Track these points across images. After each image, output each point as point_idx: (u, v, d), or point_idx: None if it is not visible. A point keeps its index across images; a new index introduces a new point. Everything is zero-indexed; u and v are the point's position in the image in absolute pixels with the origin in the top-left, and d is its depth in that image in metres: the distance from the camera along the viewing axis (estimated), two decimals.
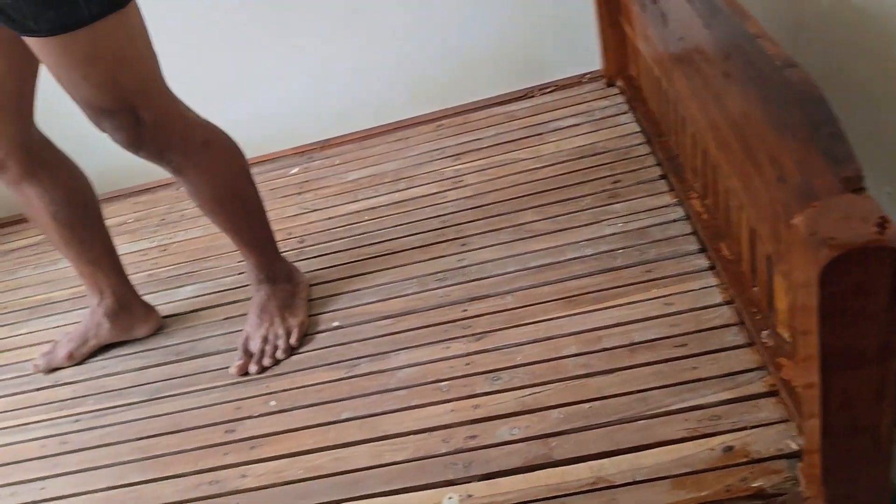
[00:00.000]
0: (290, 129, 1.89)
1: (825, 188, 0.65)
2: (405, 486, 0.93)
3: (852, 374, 0.64)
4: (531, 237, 1.29)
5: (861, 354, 0.63)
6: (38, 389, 1.33)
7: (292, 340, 1.21)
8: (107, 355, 1.35)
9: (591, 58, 1.72)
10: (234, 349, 1.25)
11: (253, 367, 1.19)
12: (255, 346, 1.21)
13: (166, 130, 1.04)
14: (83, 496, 1.07)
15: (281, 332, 1.22)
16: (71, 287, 1.58)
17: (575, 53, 1.77)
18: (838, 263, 0.57)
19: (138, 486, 1.06)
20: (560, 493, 0.87)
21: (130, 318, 1.34)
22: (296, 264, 1.39)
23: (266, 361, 1.19)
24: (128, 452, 1.13)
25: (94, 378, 1.31)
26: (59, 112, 1.91)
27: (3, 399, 1.33)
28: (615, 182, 1.36)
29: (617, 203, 1.30)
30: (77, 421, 1.22)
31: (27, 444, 1.21)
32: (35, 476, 1.14)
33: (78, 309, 1.49)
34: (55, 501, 1.09)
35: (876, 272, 0.58)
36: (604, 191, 1.34)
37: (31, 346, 1.44)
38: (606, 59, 1.65)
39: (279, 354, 1.20)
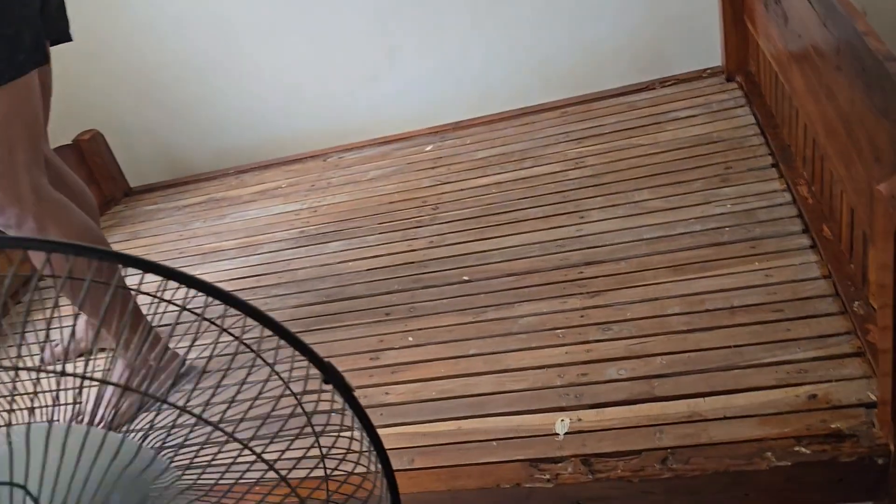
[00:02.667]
0: (426, 110, 2.08)
1: None
2: (524, 409, 1.10)
3: None
4: (645, 213, 1.42)
5: None
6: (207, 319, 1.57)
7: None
8: (268, 294, 1.58)
9: (712, 53, 1.83)
10: (377, 294, 1.45)
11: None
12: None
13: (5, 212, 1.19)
14: None
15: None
16: (236, 238, 1.83)
17: (697, 49, 1.87)
18: None
19: None
20: (659, 423, 1.01)
21: None
22: (429, 228, 1.58)
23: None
24: None
25: None
26: (233, 94, 2.17)
27: (184, 323, 1.58)
28: (727, 168, 1.47)
29: (727, 187, 1.42)
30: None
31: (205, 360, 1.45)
32: None
33: (244, 256, 1.74)
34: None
35: None
36: (715, 175, 1.46)
37: None
38: (727, 55, 1.75)
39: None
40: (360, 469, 0.59)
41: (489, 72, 2.05)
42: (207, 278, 1.70)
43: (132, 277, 0.53)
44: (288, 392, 0.55)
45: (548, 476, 0.98)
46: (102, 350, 1.23)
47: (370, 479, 0.59)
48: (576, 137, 1.76)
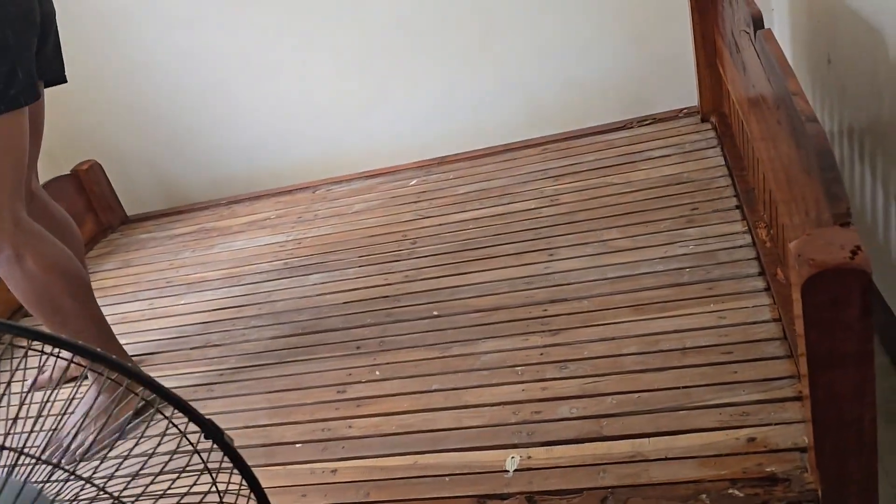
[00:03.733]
0: (414, 145, 2.14)
1: (825, 221, 0.80)
2: (478, 445, 1.13)
3: (835, 373, 0.78)
4: (612, 252, 1.46)
5: (841, 357, 0.77)
6: (192, 348, 1.62)
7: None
8: (247, 325, 1.62)
9: (689, 95, 1.87)
10: (351, 327, 1.49)
11: None
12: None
13: None
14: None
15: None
16: (222, 269, 1.88)
17: (678, 89, 1.92)
18: (816, 279, 0.73)
19: (266, 428, 1.32)
20: (603, 462, 1.04)
21: None
22: (406, 262, 1.63)
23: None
24: (259, 401, 1.39)
25: (236, 342, 1.58)
26: (224, 125, 2.24)
27: (165, 353, 1.63)
28: (693, 209, 1.50)
29: (692, 228, 1.45)
30: (221, 375, 1.50)
31: (182, 389, 1.49)
32: None
33: (227, 287, 1.79)
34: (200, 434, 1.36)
35: (847, 289, 0.73)
36: (682, 216, 1.49)
37: (189, 314, 1.74)
38: (702, 97, 1.79)
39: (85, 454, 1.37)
40: None
41: (476, 109, 2.10)
42: (191, 308, 1.74)
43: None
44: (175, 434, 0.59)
45: None
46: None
47: None
48: (553, 175, 1.81)
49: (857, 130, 1.38)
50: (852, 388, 0.78)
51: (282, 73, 2.16)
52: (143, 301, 1.85)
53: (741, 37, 1.31)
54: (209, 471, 0.59)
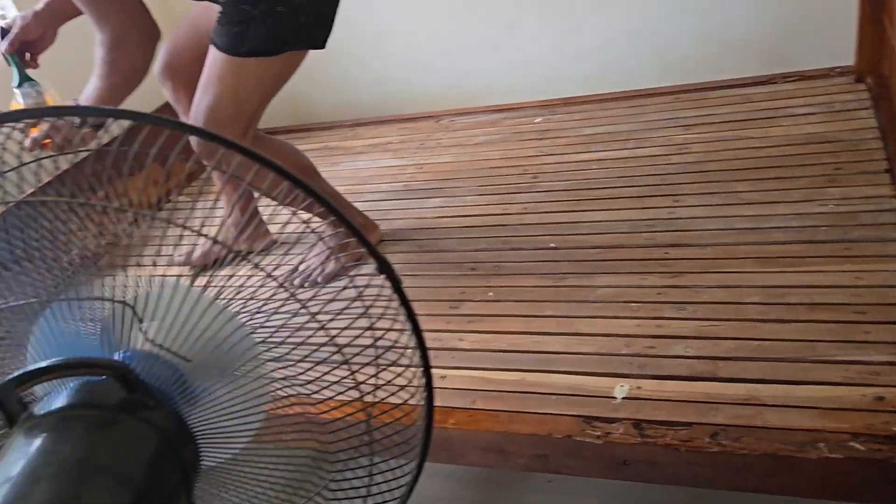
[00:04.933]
0: (540, 83, 2.11)
1: None
2: (587, 371, 1.14)
3: None
4: (742, 204, 1.42)
5: None
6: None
7: (319, 278, 1.47)
8: None
9: (844, 53, 1.76)
10: (467, 250, 1.52)
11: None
12: (302, 266, 1.53)
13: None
14: None
15: (318, 268, 1.50)
16: (343, 185, 1.93)
17: (827, 46, 1.81)
18: None
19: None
20: (716, 401, 1.02)
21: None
22: (525, 195, 1.63)
23: (297, 281, 1.47)
24: None
25: None
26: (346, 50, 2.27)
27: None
28: (836, 169, 1.43)
29: (833, 187, 1.38)
30: None
31: None
32: None
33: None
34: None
35: None
36: (822, 175, 1.42)
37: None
38: (860, 55, 1.68)
39: (305, 281, 1.46)
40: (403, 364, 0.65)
41: (607, 51, 2.05)
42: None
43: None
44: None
45: (599, 433, 1.02)
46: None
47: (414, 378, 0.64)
48: (684, 124, 1.75)
49: None
50: None
51: (415, 4, 2.17)
52: (267, 209, 1.92)
53: None
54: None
